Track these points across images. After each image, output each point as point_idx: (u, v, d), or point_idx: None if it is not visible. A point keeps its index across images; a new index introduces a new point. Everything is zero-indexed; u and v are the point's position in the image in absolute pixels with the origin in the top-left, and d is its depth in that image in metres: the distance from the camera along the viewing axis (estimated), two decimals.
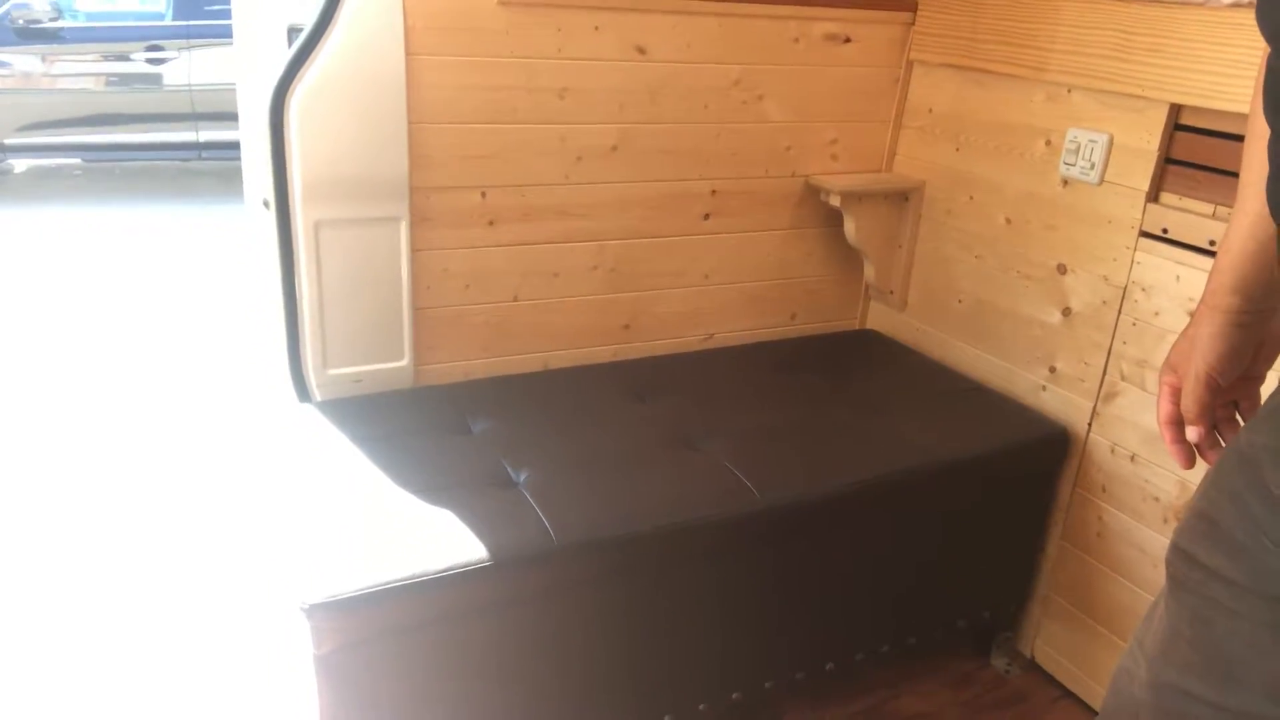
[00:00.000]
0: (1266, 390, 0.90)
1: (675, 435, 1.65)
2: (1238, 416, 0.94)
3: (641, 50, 1.81)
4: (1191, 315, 0.91)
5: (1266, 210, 0.81)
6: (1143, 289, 1.63)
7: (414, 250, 1.73)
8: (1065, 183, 1.76)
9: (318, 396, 1.71)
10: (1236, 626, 0.82)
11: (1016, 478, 1.78)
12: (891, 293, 2.17)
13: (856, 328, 2.28)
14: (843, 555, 1.63)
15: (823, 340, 2.18)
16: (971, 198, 1.96)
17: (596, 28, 1.76)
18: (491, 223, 1.80)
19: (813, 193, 2.09)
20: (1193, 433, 0.92)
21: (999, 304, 1.93)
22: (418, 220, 1.73)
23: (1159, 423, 0.95)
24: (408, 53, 1.61)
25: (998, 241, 1.91)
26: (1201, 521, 0.86)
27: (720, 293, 2.09)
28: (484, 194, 1.78)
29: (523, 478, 1.49)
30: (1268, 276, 0.85)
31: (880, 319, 2.25)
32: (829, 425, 1.74)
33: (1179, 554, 0.88)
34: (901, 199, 2.10)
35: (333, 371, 1.70)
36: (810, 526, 1.55)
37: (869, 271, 2.17)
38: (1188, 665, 0.87)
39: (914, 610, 1.78)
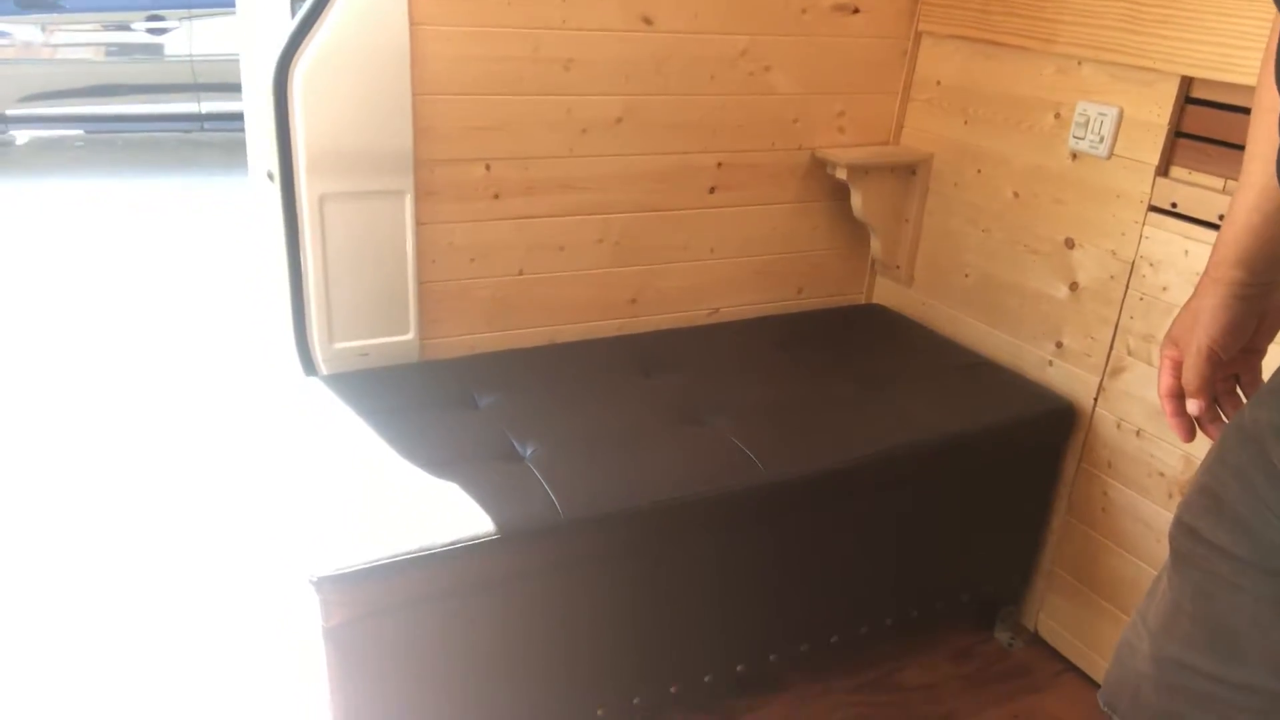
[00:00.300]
0: (1268, 365, 0.90)
1: (681, 410, 1.66)
2: (1239, 390, 0.93)
3: (648, 20, 1.79)
4: (1196, 288, 0.91)
5: (1272, 183, 0.81)
6: (1151, 264, 1.63)
7: (419, 224, 1.72)
8: (1074, 156, 1.74)
9: (324, 370, 1.71)
10: (1239, 601, 0.83)
11: (1022, 452, 1.78)
12: (898, 267, 2.16)
13: (863, 302, 2.28)
14: (847, 529, 1.64)
15: (828, 315, 2.17)
16: (979, 171, 1.95)
17: None
18: (496, 196, 1.80)
19: (819, 166, 2.07)
20: (1194, 406, 0.92)
21: (1006, 278, 1.92)
22: (422, 193, 1.72)
23: (1160, 395, 0.95)
24: (411, 23, 1.60)
25: (1005, 215, 1.90)
26: (1205, 497, 0.87)
27: (725, 267, 2.08)
28: (489, 166, 1.77)
29: (529, 452, 1.49)
30: (1272, 250, 0.84)
31: (886, 293, 2.24)
32: (834, 400, 1.74)
33: (1183, 529, 0.89)
34: (909, 172, 2.08)
35: (338, 345, 1.70)
36: (815, 501, 1.56)
37: (875, 245, 2.16)
38: (1190, 639, 0.87)
39: (917, 583, 1.79)
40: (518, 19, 1.69)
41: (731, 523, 1.50)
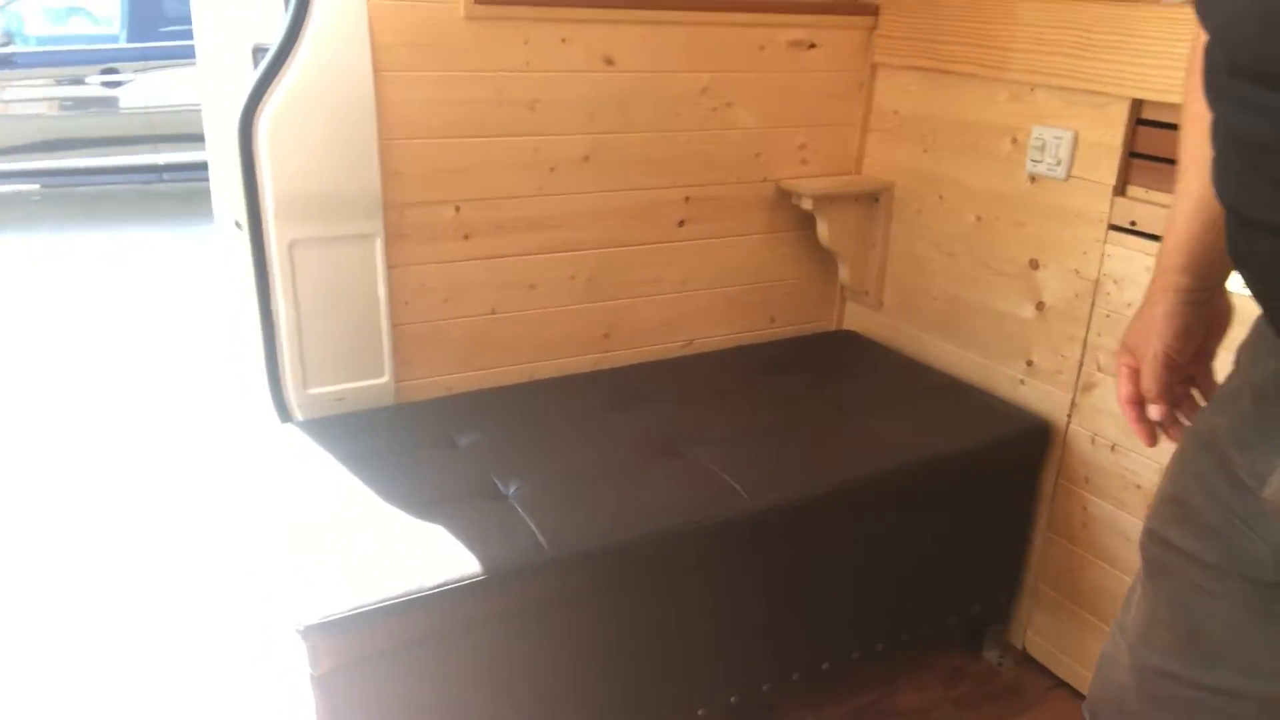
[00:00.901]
0: (1221, 369, 0.92)
1: (661, 442, 1.66)
2: (1194, 393, 0.96)
3: (609, 61, 1.82)
4: (1145, 297, 0.94)
5: (1208, 193, 0.83)
6: (1114, 281, 1.66)
7: (390, 266, 1.72)
8: (1033, 179, 1.78)
9: (299, 416, 1.69)
10: (1213, 607, 0.85)
11: (1000, 471, 1.80)
12: (867, 293, 2.19)
13: (834, 329, 2.30)
14: (832, 555, 1.64)
15: (802, 342, 2.19)
16: (941, 197, 1.99)
17: (563, 40, 1.76)
18: (467, 236, 1.80)
19: (785, 197, 2.10)
20: (1154, 411, 0.94)
21: (973, 301, 1.95)
22: (392, 236, 1.72)
23: (1120, 403, 0.97)
24: (376, 69, 1.61)
25: (969, 239, 1.94)
26: (1172, 505, 0.89)
27: (698, 298, 2.10)
28: (458, 208, 1.78)
29: (511, 490, 1.48)
30: (1214, 255, 0.87)
31: (857, 319, 2.27)
32: (812, 426, 1.75)
33: (1153, 538, 0.91)
34: (872, 200, 2.12)
35: (313, 391, 1.69)
36: (800, 528, 1.56)
37: (844, 273, 2.19)
38: (1168, 647, 0.89)
39: (905, 607, 1.80)
40: (481, 63, 1.70)
41: (719, 553, 1.50)
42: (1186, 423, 0.95)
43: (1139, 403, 0.95)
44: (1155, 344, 0.92)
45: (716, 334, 2.15)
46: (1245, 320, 0.83)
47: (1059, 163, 1.72)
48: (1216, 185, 0.71)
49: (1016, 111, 1.80)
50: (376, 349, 1.73)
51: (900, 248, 2.11)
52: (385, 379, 1.75)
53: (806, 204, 2.06)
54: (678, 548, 1.44)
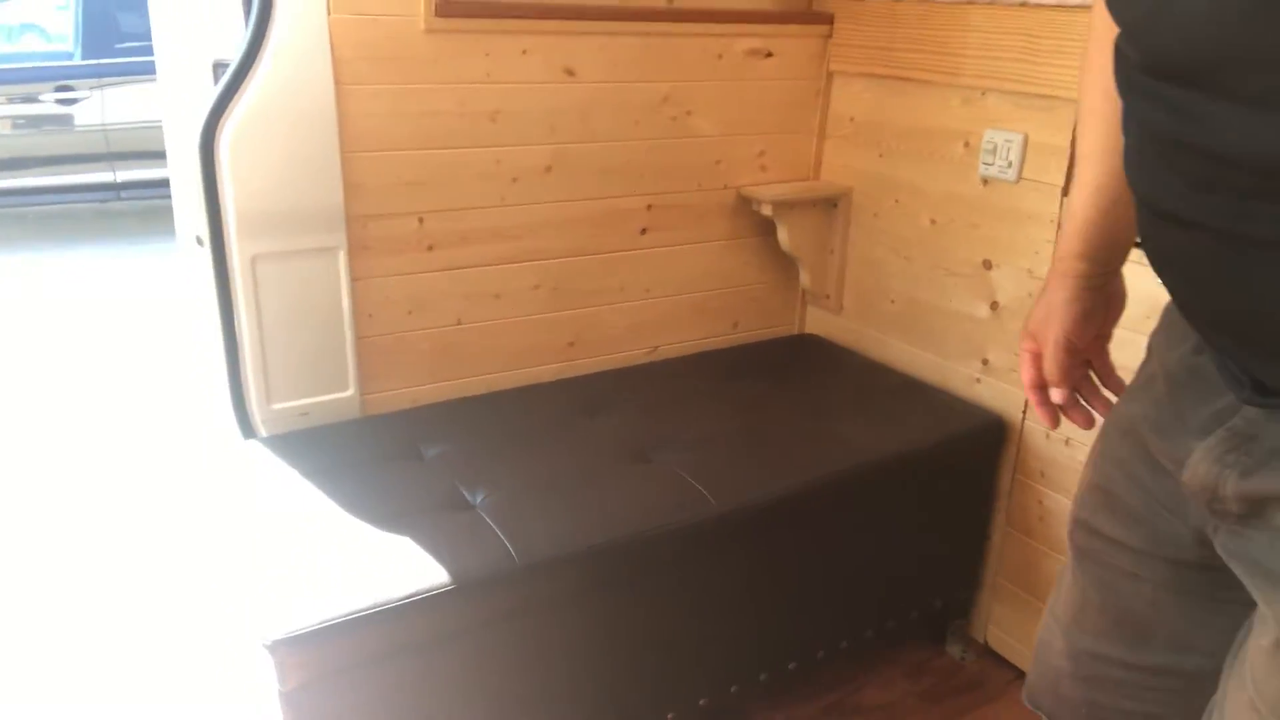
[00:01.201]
0: (1129, 353, 0.95)
1: (628, 448, 1.67)
2: (1092, 376, 0.99)
3: (570, 72, 1.84)
4: (1044, 284, 0.97)
5: (1103, 181, 0.87)
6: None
7: (354, 279, 1.72)
8: (985, 182, 1.83)
9: (264, 432, 1.69)
10: (1140, 590, 0.88)
11: (958, 468, 1.84)
12: (828, 297, 2.23)
13: (796, 332, 2.33)
14: (798, 555, 1.66)
15: (764, 346, 2.22)
16: (897, 201, 2.03)
17: (524, 51, 1.78)
18: (430, 248, 1.81)
19: (745, 203, 2.13)
20: (1057, 394, 0.96)
21: (930, 302, 1.99)
22: (356, 249, 1.72)
23: (1025, 388, 1.00)
24: (337, 82, 1.62)
25: (924, 242, 1.98)
26: (1096, 493, 0.92)
27: (662, 305, 2.12)
28: (421, 219, 1.78)
29: (479, 499, 1.49)
30: (1111, 241, 0.90)
31: (819, 323, 2.30)
32: (776, 429, 1.78)
33: (1081, 526, 0.94)
34: (830, 205, 2.16)
35: (278, 406, 1.68)
36: (766, 529, 1.58)
37: (804, 277, 2.22)
38: (1099, 631, 0.93)
39: (869, 603, 1.83)
40: (442, 75, 1.72)
41: (686, 556, 1.52)
42: (1084, 405, 0.98)
43: (1043, 387, 0.98)
44: (1056, 329, 0.94)
45: (681, 340, 2.17)
46: (1157, 308, 0.86)
47: (1010, 165, 1.76)
48: (1129, 176, 0.73)
49: (969, 116, 1.84)
50: (341, 362, 1.73)
51: (859, 252, 2.15)
52: (350, 392, 1.75)
53: (766, 210, 2.09)
54: (646, 553, 1.46)
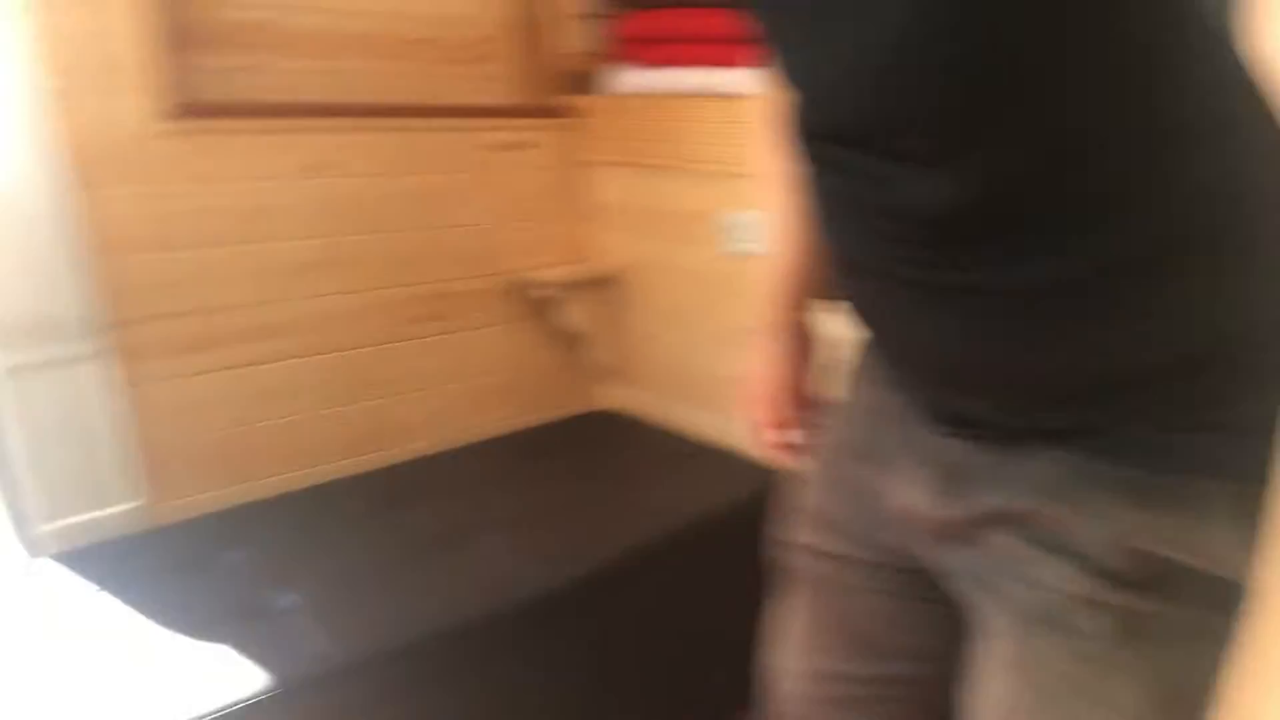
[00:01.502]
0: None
1: (433, 537, 1.67)
2: (801, 414, 1.08)
3: (331, 166, 1.87)
4: (751, 343, 1.09)
5: (796, 239, 1.00)
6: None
7: (131, 384, 1.66)
8: (734, 256, 2.02)
9: (50, 550, 1.56)
10: (858, 601, 0.92)
11: (756, 524, 1.92)
12: (615, 372, 2.36)
13: (590, 409, 2.40)
14: (619, 628, 1.66)
15: (558, 425, 2.28)
16: (663, 276, 2.20)
17: (281, 150, 1.80)
18: (208, 348, 1.77)
19: (519, 288, 2.22)
20: (778, 435, 1.07)
21: (705, 368, 2.15)
22: (129, 354, 1.66)
23: (750, 432, 1.09)
24: (82, 185, 1.58)
25: (693, 314, 2.15)
26: (818, 517, 0.96)
27: (451, 392, 2.16)
28: (194, 319, 1.75)
29: (289, 601, 1.46)
30: (808, 289, 1.04)
31: (611, 398, 2.41)
32: (576, 504, 1.81)
33: (804, 551, 0.97)
34: (604, 284, 2.31)
35: (60, 523, 1.58)
36: (588, 600, 1.58)
37: (590, 355, 2.34)
38: (833, 649, 0.95)
39: (702, 671, 1.80)
40: (194, 173, 1.71)
41: (509, 641, 1.50)
42: (800, 441, 1.05)
43: (766, 429, 1.07)
44: (771, 376, 1.05)
45: (474, 425, 2.20)
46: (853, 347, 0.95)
47: (755, 240, 1.97)
48: (821, 232, 0.79)
49: (710, 198, 2.03)
50: (124, 473, 1.64)
51: (637, 326, 2.30)
52: (138, 502, 1.66)
53: (543, 293, 2.21)
54: (465, 640, 1.45)
